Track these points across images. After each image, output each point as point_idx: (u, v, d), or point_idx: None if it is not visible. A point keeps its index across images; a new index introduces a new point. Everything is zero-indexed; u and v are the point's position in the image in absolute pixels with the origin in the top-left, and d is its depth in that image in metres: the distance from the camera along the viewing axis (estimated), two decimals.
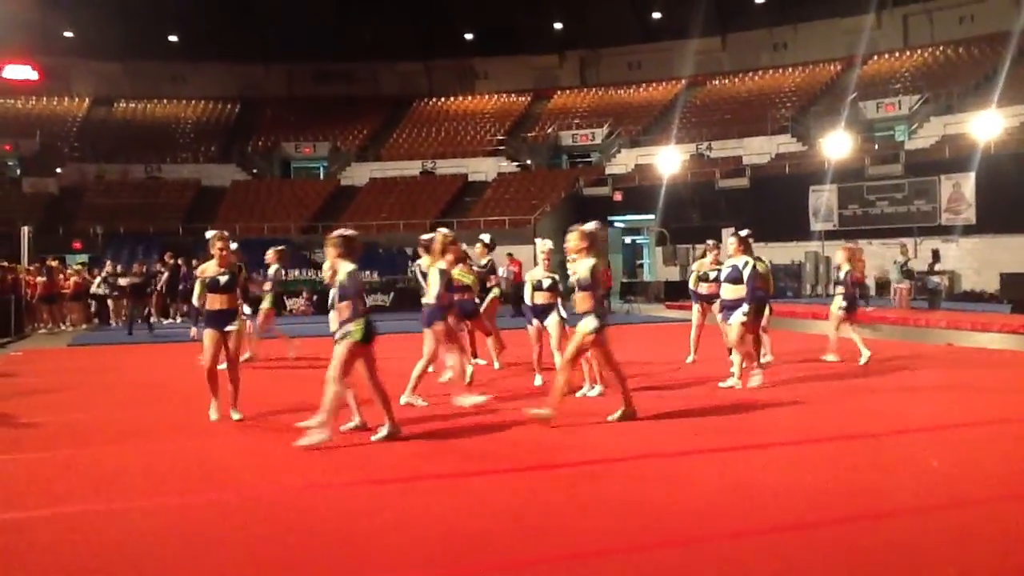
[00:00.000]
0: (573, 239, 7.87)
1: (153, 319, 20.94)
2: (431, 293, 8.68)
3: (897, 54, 41.18)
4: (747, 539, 4.59)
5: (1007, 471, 5.96)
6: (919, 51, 40.36)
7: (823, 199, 30.49)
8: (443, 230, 9.08)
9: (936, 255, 24.60)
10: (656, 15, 46.21)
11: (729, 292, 9.61)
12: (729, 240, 9.74)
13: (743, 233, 9.64)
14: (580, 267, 7.82)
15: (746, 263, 9.44)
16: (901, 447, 6.78)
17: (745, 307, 9.31)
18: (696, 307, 12.13)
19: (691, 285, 12.30)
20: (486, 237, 12.59)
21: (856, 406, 8.54)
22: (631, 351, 11.93)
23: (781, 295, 29.28)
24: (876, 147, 34.62)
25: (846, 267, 12.18)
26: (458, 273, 11.37)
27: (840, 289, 12.12)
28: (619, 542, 4.56)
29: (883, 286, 27.70)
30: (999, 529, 4.68)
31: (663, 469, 6.21)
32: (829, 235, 30.04)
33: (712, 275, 11.51)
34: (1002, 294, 24.07)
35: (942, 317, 19.02)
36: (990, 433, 7.28)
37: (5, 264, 19.94)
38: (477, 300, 11.43)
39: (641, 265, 37.77)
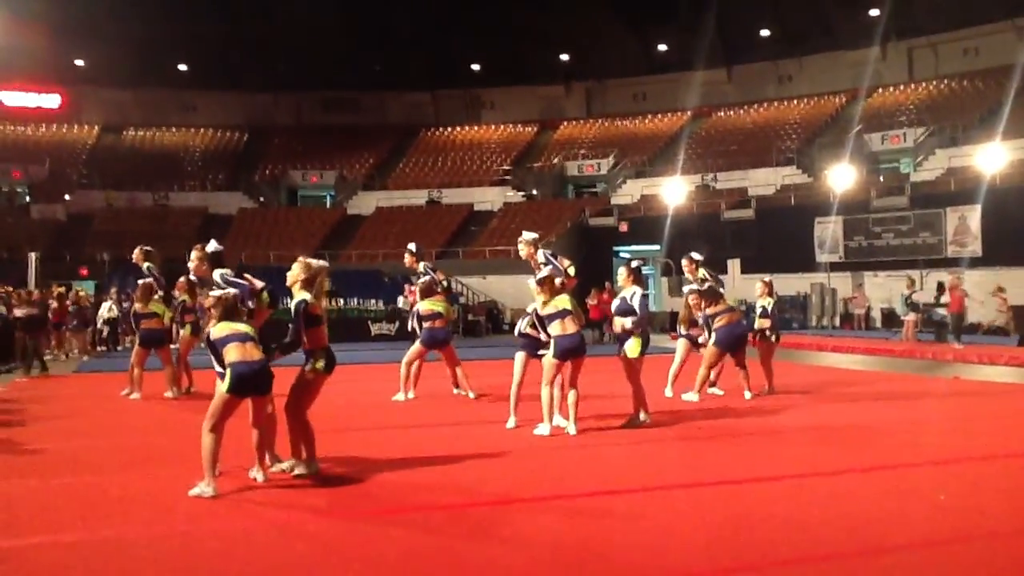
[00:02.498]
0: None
1: (51, 355, 18.91)
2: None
3: (902, 87, 41.38)
4: (748, 574, 4.55)
5: (1014, 506, 5.91)
6: (924, 84, 40.57)
7: (828, 231, 30.50)
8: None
9: (942, 287, 24.54)
10: (662, 47, 46.56)
11: (620, 325, 9.21)
12: (619, 271, 9.47)
13: (634, 264, 9.48)
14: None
15: (634, 293, 9.13)
16: (907, 481, 6.73)
17: (632, 340, 8.97)
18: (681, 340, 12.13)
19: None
20: (412, 246, 12.38)
21: (861, 439, 8.50)
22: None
23: (787, 327, 29.24)
24: (881, 179, 34.69)
25: (770, 300, 12.26)
26: (430, 303, 11.49)
27: (767, 322, 12.14)
28: None
29: (889, 318, 27.65)
30: (1009, 564, 4.63)
31: (665, 502, 6.17)
32: (835, 267, 30.02)
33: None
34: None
35: (948, 349, 18.95)
36: (997, 467, 7.22)
37: (10, 290, 19.92)
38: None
39: (647, 295, 37.70)
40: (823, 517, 5.57)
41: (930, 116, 36.74)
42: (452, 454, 7.64)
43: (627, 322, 9.06)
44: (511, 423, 8.94)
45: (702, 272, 11.76)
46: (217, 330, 6.42)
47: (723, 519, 5.58)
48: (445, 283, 12.32)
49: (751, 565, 4.68)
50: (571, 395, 8.68)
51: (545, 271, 8.70)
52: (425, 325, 11.56)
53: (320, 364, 6.73)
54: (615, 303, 9.36)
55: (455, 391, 11.88)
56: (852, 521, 5.47)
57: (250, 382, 6.30)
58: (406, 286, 22.79)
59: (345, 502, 6.17)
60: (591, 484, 6.69)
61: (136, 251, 12.56)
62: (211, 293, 6.55)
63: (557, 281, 8.76)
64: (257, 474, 6.59)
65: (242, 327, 6.46)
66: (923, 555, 4.86)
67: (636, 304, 9.02)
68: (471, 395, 11.51)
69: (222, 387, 6.27)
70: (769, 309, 12.21)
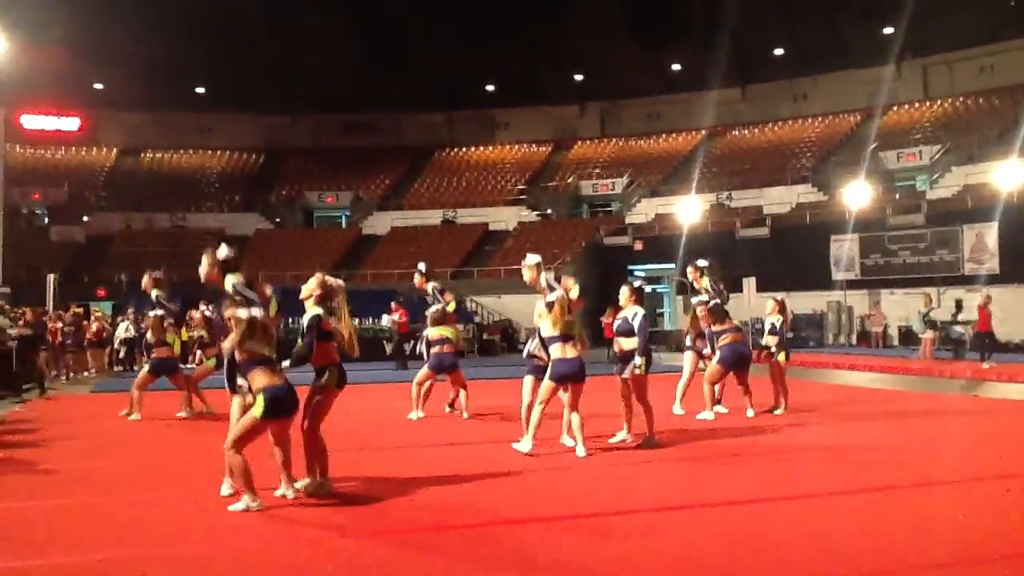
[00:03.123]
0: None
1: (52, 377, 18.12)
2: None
3: (917, 104, 41.31)
4: None
5: None
6: (939, 102, 40.48)
7: (844, 248, 30.40)
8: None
9: (959, 305, 24.38)
10: (676, 66, 46.65)
11: (622, 345, 9.16)
12: (622, 290, 9.39)
13: (636, 283, 9.48)
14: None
15: (635, 314, 9.09)
16: (925, 501, 6.67)
17: (638, 359, 8.91)
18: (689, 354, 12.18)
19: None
20: (422, 266, 12.56)
21: (877, 458, 8.44)
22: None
23: (803, 345, 29.10)
24: (897, 197, 34.58)
25: (780, 318, 12.25)
26: (439, 329, 11.57)
27: (775, 339, 12.13)
28: None
29: (906, 336, 27.47)
30: None
31: (675, 523, 6.14)
32: (851, 284, 29.91)
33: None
34: None
35: (967, 367, 18.80)
36: (1018, 487, 7.14)
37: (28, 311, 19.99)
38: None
39: (661, 314, 37.67)
40: (839, 538, 5.52)
41: (946, 134, 36.63)
42: (463, 474, 7.63)
43: (629, 343, 9.05)
44: (526, 447, 8.61)
45: (705, 281, 11.89)
46: (241, 352, 6.35)
47: (735, 541, 5.54)
48: (453, 304, 12.34)
49: None
50: (574, 418, 8.59)
51: (553, 295, 8.69)
52: (433, 350, 11.67)
53: (331, 379, 6.76)
54: (616, 323, 9.35)
55: (447, 409, 12.00)
56: (868, 542, 5.42)
57: (282, 405, 6.27)
58: (393, 304, 22.78)
59: (359, 521, 6.16)
60: (601, 504, 6.67)
61: (145, 278, 12.62)
62: (237, 312, 6.45)
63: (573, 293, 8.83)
64: (287, 491, 6.59)
65: (266, 350, 6.39)
66: None
67: (636, 325, 9.00)
68: (464, 415, 11.64)
69: (254, 412, 6.23)
70: (778, 327, 12.17)
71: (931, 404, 13.18)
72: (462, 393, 11.84)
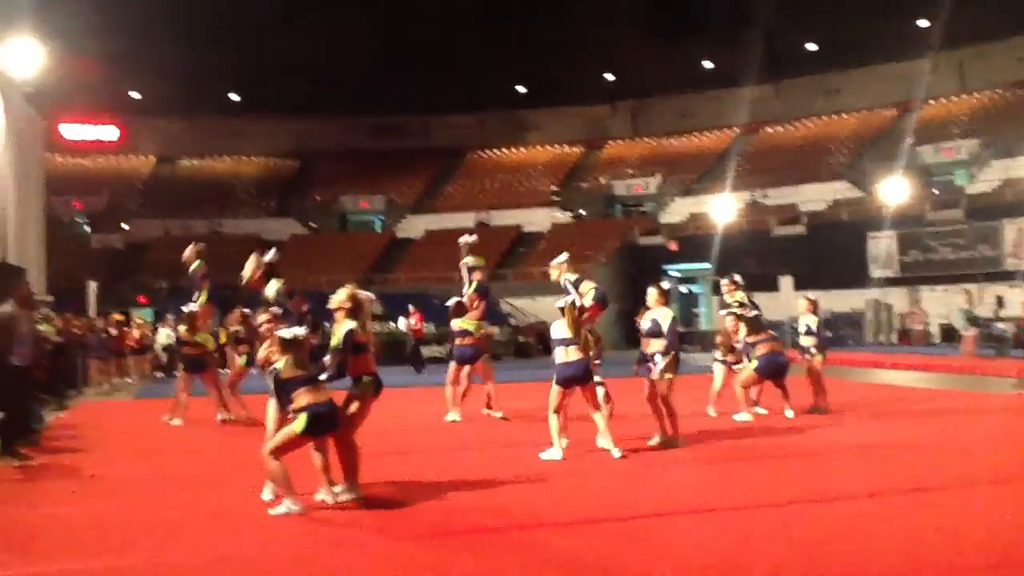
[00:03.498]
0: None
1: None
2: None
3: (954, 97, 40.66)
4: None
5: None
6: (976, 94, 39.82)
7: (882, 245, 30.04)
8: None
9: (1001, 301, 24.03)
10: (707, 64, 46.33)
11: (650, 346, 9.13)
12: (650, 291, 9.37)
13: (665, 285, 9.58)
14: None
15: (664, 315, 9.12)
16: (968, 500, 6.58)
17: (660, 360, 8.90)
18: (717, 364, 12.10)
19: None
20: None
21: (919, 457, 8.34)
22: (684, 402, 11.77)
23: (842, 344, 28.80)
24: (936, 192, 34.11)
25: (814, 318, 12.09)
26: (460, 321, 11.65)
27: (812, 340, 11.96)
28: None
29: (948, 334, 27.09)
30: None
31: (731, 523, 6.10)
32: (890, 282, 29.55)
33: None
34: None
35: (1011, 365, 18.48)
36: None
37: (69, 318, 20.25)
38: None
39: (697, 314, 37.45)
40: (880, 540, 5.47)
41: (984, 126, 36.07)
42: (496, 477, 7.65)
43: (656, 345, 9.05)
44: (555, 455, 8.50)
45: (739, 295, 11.79)
46: (287, 370, 6.51)
47: (772, 542, 5.51)
48: (473, 286, 12.20)
49: None
50: (598, 419, 8.55)
51: (563, 300, 8.74)
52: (456, 342, 11.93)
53: (367, 388, 6.88)
54: (645, 324, 9.29)
55: (484, 411, 11.96)
56: (911, 543, 5.36)
57: (323, 424, 6.45)
58: (410, 307, 22.78)
59: (398, 524, 6.19)
60: (635, 507, 6.65)
61: (188, 249, 12.83)
62: (282, 333, 6.59)
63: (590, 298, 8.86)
64: (327, 495, 6.64)
65: (308, 368, 6.59)
66: None
67: (666, 328, 9.01)
68: (498, 415, 11.71)
69: (295, 427, 6.39)
70: (814, 327, 12.03)
71: (974, 402, 12.99)
72: (490, 388, 11.94)
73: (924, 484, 7.09)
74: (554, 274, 9.35)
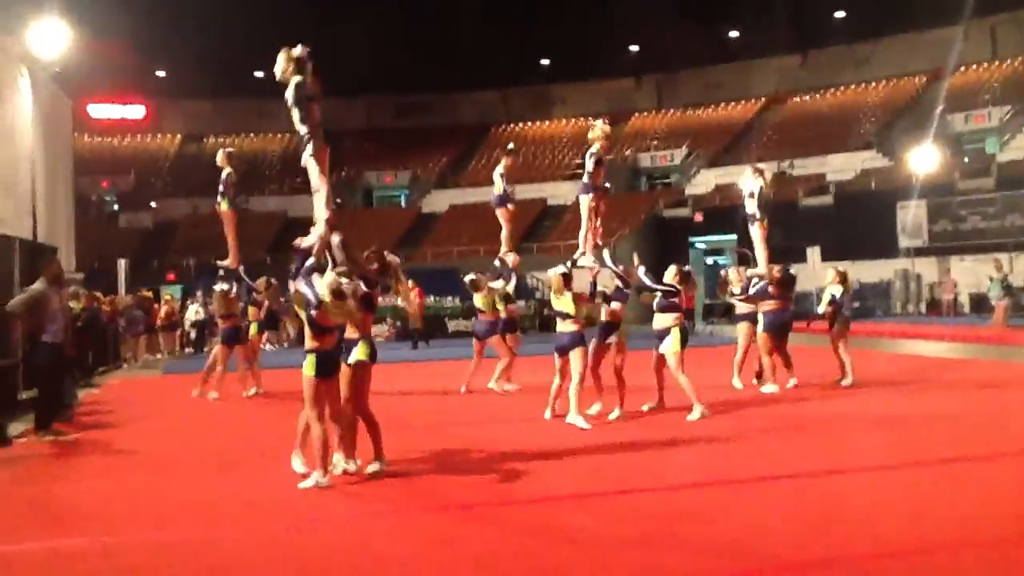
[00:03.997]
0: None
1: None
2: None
3: (985, 64, 39.96)
4: (839, 567, 4.50)
5: None
6: (1008, 61, 39.10)
7: (911, 215, 29.69)
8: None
9: None
10: (733, 34, 45.81)
11: (659, 321, 9.54)
12: (669, 269, 9.76)
13: (686, 268, 9.95)
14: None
15: (676, 290, 9.52)
16: (997, 472, 6.55)
17: (673, 335, 9.32)
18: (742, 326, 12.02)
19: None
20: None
21: (946, 428, 8.30)
22: (710, 374, 11.76)
23: (870, 315, 28.58)
24: (966, 160, 33.63)
25: (840, 288, 12.00)
26: (477, 298, 11.92)
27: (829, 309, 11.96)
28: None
29: (978, 304, 26.80)
30: None
31: (740, 497, 6.11)
32: (919, 252, 29.24)
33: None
34: None
35: None
36: None
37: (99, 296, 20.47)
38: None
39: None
40: (910, 510, 5.47)
41: (1016, 94, 35.42)
42: (526, 450, 7.69)
43: (665, 320, 9.45)
44: (580, 422, 8.87)
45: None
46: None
47: (796, 513, 5.52)
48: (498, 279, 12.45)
49: (842, 556, 4.62)
50: (555, 384, 9.24)
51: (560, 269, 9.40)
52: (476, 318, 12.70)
53: (364, 354, 6.90)
54: (657, 300, 9.64)
55: (490, 385, 12.20)
56: (940, 514, 5.36)
57: (331, 363, 6.68)
58: (409, 283, 22.78)
59: (417, 497, 6.26)
60: (661, 479, 6.69)
61: (221, 154, 13.30)
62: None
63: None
64: (348, 465, 6.75)
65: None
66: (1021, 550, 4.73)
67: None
68: (492, 386, 12.08)
69: (306, 370, 6.58)
70: (838, 297, 11.93)
71: (1005, 372, 12.86)
72: (500, 364, 12.15)
73: (956, 455, 7.05)
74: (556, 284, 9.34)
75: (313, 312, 6.55)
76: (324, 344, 6.63)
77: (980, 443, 7.52)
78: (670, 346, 9.35)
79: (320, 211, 7.14)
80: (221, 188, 13.05)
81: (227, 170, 13.07)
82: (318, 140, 7.23)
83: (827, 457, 7.16)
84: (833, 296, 11.98)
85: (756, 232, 12.02)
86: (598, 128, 10.67)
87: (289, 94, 7.28)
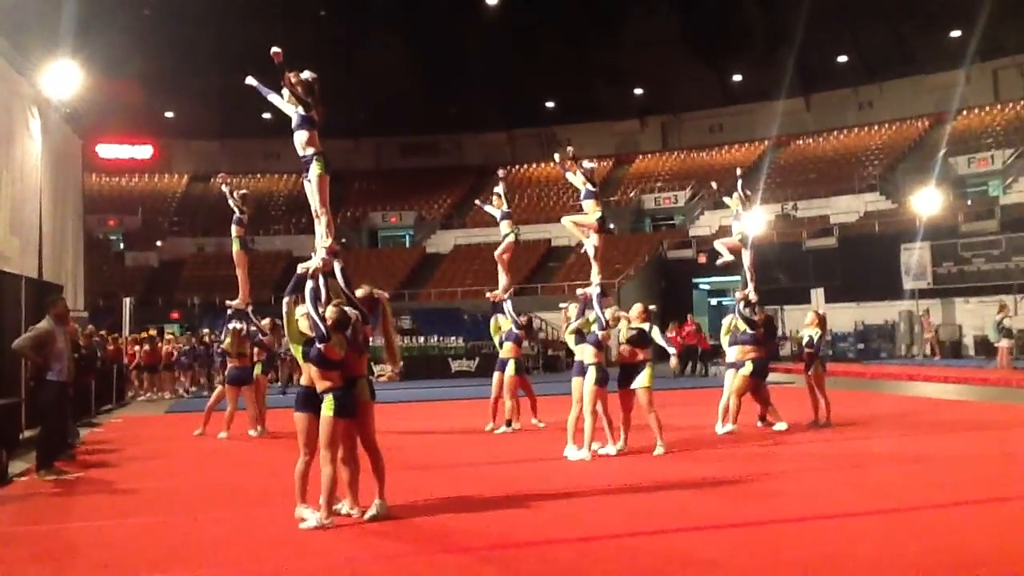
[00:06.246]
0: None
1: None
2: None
3: (988, 108, 40.26)
4: None
5: None
6: (1011, 105, 39.39)
7: (915, 257, 29.73)
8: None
9: None
10: (737, 77, 46.24)
11: (630, 355, 9.88)
12: (635, 306, 10.09)
13: (651, 307, 10.18)
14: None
15: (651, 327, 9.82)
16: (1004, 515, 6.51)
17: (647, 370, 9.64)
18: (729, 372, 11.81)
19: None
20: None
21: (952, 470, 8.26)
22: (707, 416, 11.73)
23: (874, 356, 28.52)
24: (969, 203, 33.74)
25: (817, 331, 12.04)
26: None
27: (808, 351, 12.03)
28: None
29: (982, 345, 26.74)
30: None
31: (741, 541, 6.09)
32: (923, 294, 29.23)
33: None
34: None
35: None
36: None
37: (104, 334, 20.56)
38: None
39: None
40: (915, 555, 5.44)
41: (1019, 137, 35.64)
42: (534, 492, 7.67)
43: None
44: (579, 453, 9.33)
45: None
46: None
47: (806, 558, 5.49)
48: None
49: None
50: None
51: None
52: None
53: (364, 393, 6.83)
54: (628, 333, 9.86)
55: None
56: (946, 558, 5.33)
57: (349, 404, 6.57)
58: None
59: (428, 539, 6.24)
60: (664, 522, 6.65)
61: (235, 193, 13.44)
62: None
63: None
64: (351, 510, 6.67)
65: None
66: None
67: (655, 335, 9.83)
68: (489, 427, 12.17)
69: (326, 411, 6.48)
70: (815, 340, 11.94)
71: (1007, 414, 12.81)
72: (506, 403, 12.17)
73: (966, 498, 7.03)
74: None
75: (322, 346, 6.49)
76: (336, 381, 6.55)
77: (990, 484, 7.48)
78: (643, 381, 9.65)
79: (320, 237, 7.17)
80: (236, 231, 12.95)
81: (233, 195, 13.32)
82: (319, 165, 7.29)
83: (835, 500, 7.12)
84: (810, 338, 11.99)
85: (746, 257, 12.06)
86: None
87: (294, 113, 7.36)
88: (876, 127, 43.20)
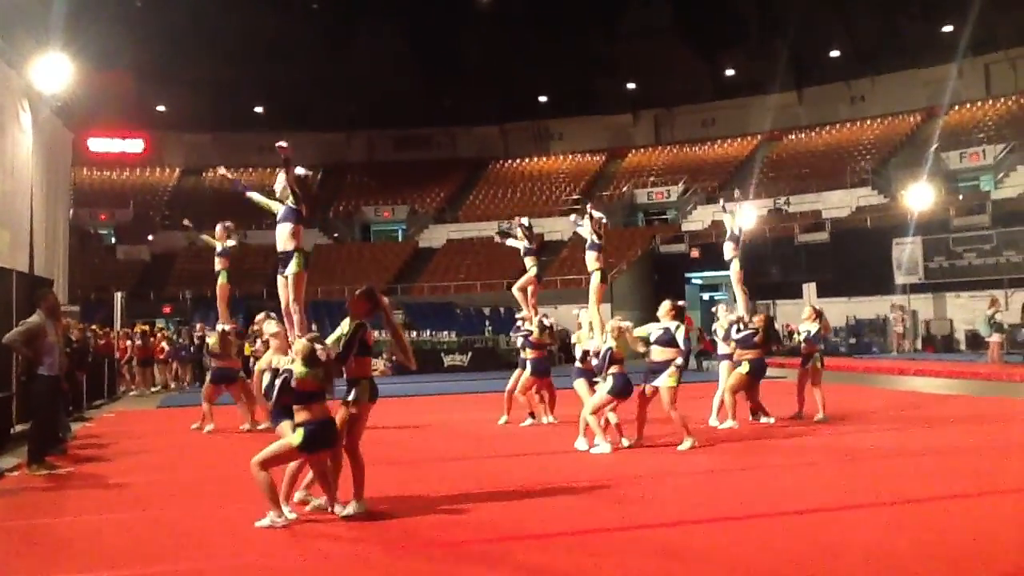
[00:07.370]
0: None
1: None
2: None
3: (979, 103, 40.35)
4: None
5: None
6: (1002, 100, 39.49)
7: (907, 252, 29.79)
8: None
9: None
10: (730, 72, 46.29)
11: (659, 355, 9.65)
12: (664, 304, 9.91)
13: (680, 304, 10.02)
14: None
15: (678, 327, 9.60)
16: (995, 508, 6.53)
17: (673, 369, 9.45)
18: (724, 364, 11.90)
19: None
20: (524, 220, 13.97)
21: (944, 464, 8.28)
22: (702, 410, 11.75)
23: (866, 351, 28.59)
24: (961, 198, 33.83)
25: (815, 326, 12.09)
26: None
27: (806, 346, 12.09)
28: None
29: (973, 341, 26.84)
30: None
31: (741, 533, 6.09)
32: (915, 288, 29.31)
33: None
34: None
35: None
36: None
37: (96, 328, 20.48)
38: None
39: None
40: (909, 548, 5.45)
41: (1010, 132, 35.72)
42: (531, 486, 7.67)
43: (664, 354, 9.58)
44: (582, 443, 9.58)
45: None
46: (305, 380, 6.37)
47: (804, 549, 5.50)
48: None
49: None
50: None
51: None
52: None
53: (363, 394, 6.79)
54: (655, 332, 9.69)
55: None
56: (939, 551, 5.34)
57: (321, 439, 6.38)
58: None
59: (415, 534, 6.23)
60: (666, 515, 6.66)
61: (219, 228, 13.16)
62: (304, 348, 6.40)
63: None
64: (337, 509, 6.62)
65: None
66: None
67: (679, 337, 9.56)
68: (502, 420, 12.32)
69: (293, 440, 6.36)
70: (813, 334, 11.98)
71: (999, 408, 12.86)
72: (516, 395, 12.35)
73: (958, 491, 7.05)
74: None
75: (292, 382, 6.34)
76: (316, 415, 6.34)
77: (980, 478, 7.51)
78: (665, 381, 9.46)
79: (293, 338, 7.01)
80: (221, 263, 12.91)
81: (231, 243, 13.13)
82: (297, 264, 7.23)
83: (832, 492, 7.14)
84: (808, 333, 12.03)
85: (733, 273, 12.07)
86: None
87: (281, 206, 7.34)
88: (868, 121, 43.29)
